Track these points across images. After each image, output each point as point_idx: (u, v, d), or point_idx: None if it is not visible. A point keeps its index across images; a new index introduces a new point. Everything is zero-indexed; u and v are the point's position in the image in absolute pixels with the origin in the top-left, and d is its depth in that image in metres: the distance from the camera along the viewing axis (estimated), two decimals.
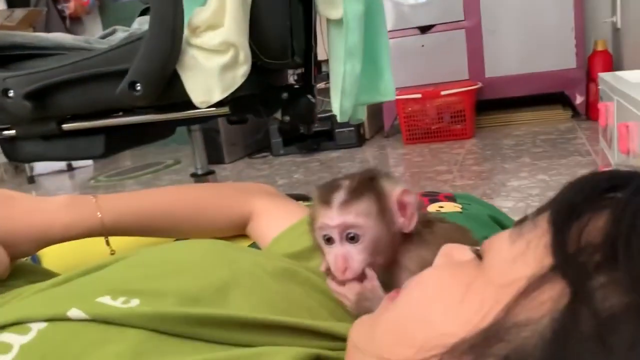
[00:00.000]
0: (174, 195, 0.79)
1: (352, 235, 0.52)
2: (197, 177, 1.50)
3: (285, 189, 2.39)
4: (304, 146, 3.10)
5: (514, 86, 2.99)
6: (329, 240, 0.54)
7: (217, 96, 1.10)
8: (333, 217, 0.52)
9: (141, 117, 1.19)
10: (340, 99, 1.12)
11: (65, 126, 1.21)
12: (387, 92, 1.23)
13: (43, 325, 0.43)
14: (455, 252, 0.40)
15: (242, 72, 1.09)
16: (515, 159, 2.32)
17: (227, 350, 0.44)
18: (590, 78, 2.87)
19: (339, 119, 1.15)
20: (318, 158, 2.95)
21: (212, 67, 1.08)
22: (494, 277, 0.32)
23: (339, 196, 0.53)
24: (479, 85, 2.90)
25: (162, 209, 0.76)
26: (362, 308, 0.53)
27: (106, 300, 0.45)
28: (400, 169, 2.49)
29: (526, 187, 1.92)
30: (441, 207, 0.85)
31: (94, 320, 0.42)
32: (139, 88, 1.08)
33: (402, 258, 0.55)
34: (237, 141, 3.25)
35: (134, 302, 0.45)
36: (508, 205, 1.75)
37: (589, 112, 2.90)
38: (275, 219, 0.77)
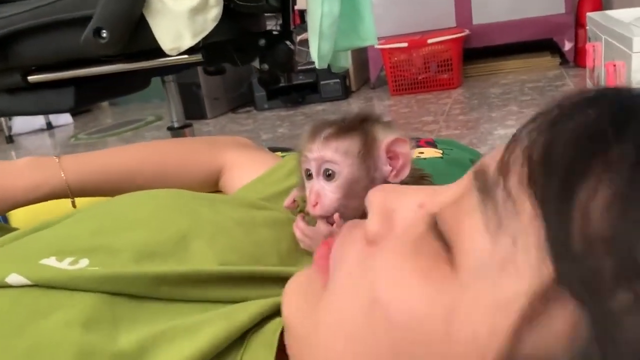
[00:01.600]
0: (141, 152, 0.75)
1: (328, 171, 0.50)
2: (174, 131, 1.46)
3: (269, 143, 2.34)
4: (288, 99, 3.04)
5: (502, 33, 2.92)
6: (309, 175, 0.52)
7: (188, 42, 1.05)
8: (313, 150, 0.51)
9: (109, 67, 1.13)
10: (318, 43, 1.07)
11: (31, 78, 1.15)
12: (368, 37, 1.18)
13: None
14: (409, 222, 0.29)
15: (213, 15, 1.04)
16: (502, 108, 2.28)
17: (188, 316, 0.40)
18: (579, 23, 2.81)
19: (317, 65, 1.10)
20: (303, 111, 2.89)
21: (181, 11, 1.02)
22: (479, 291, 0.24)
23: (325, 132, 0.51)
24: (467, 32, 2.83)
25: (127, 168, 0.72)
26: None
27: (51, 262, 0.40)
28: None
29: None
30: (421, 152, 0.82)
31: (36, 285, 0.37)
32: (104, 35, 1.02)
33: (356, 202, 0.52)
34: (220, 95, 3.17)
35: (83, 263, 0.41)
36: None
37: (577, 59, 2.85)
38: (248, 170, 0.74)
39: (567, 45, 2.85)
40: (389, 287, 0.27)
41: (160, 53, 1.07)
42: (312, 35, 1.09)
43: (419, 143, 0.85)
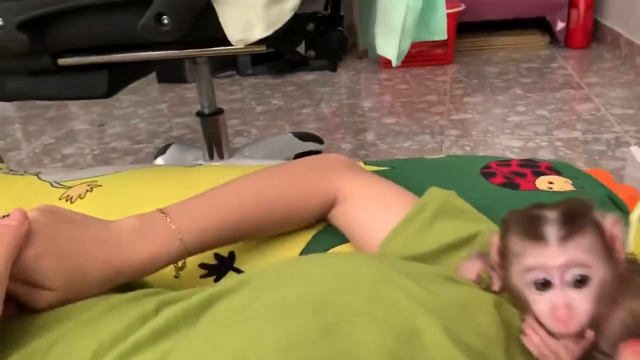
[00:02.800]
0: (255, 192, 0.65)
1: (579, 277, 0.43)
2: (204, 118, 1.33)
3: (267, 116, 2.23)
4: (274, 67, 2.90)
5: (496, 8, 2.88)
6: (544, 284, 0.44)
7: (259, 33, 0.94)
8: (555, 255, 0.43)
9: (160, 53, 1.00)
10: (400, 40, 0.98)
11: (62, 61, 1.00)
12: (439, 30, 1.10)
13: None
14: None
15: (291, 5, 0.93)
16: (506, 90, 2.26)
17: None
18: (573, 4, 2.80)
19: (394, 64, 1.01)
20: (291, 81, 2.77)
21: (256, 0, 0.90)
22: None
23: (555, 229, 0.44)
24: (463, 7, 2.76)
25: (246, 213, 0.63)
26: None
27: None
28: (388, 98, 2.37)
29: (528, 123, 1.87)
30: (551, 182, 0.76)
31: None
32: (166, 22, 0.89)
33: (608, 312, 0.46)
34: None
35: None
36: (517, 145, 1.70)
37: (568, 40, 2.86)
38: (366, 202, 0.66)
39: (560, 25, 2.84)
40: None
41: (219, 41, 0.96)
42: (391, 32, 1.00)
43: (540, 168, 0.79)
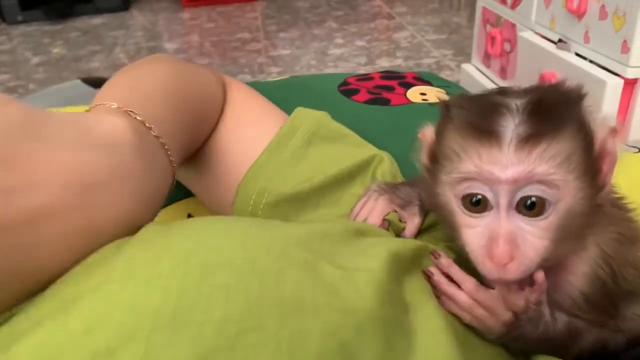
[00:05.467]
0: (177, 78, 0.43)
1: (534, 199, 0.29)
2: None
3: (47, 68, 1.82)
4: (52, 10, 2.40)
5: None
6: (478, 203, 0.30)
7: None
8: (506, 163, 0.28)
9: None
10: None
11: None
12: None
13: None
14: None
15: None
16: (321, 24, 2.14)
17: None
18: None
19: None
20: (75, 26, 2.33)
21: None
22: None
23: (514, 125, 0.28)
24: None
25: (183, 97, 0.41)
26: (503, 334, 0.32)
27: None
28: (195, 38, 2.10)
29: (350, 55, 1.77)
30: (423, 93, 0.62)
31: None
32: None
33: (574, 258, 0.33)
34: None
35: None
36: None
37: None
38: (246, 119, 0.47)
39: None
40: None
41: None
42: None
43: (406, 79, 0.64)
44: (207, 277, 0.23)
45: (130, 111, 0.33)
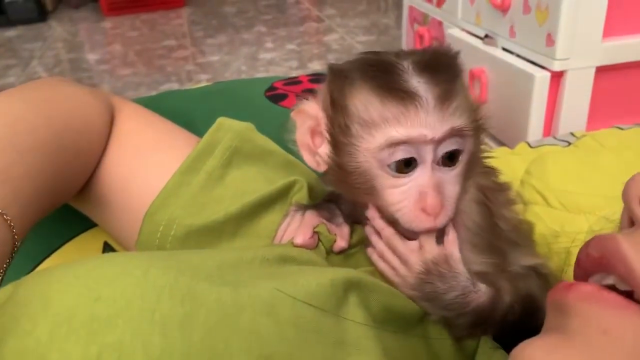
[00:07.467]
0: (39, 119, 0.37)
1: (452, 152, 0.32)
2: None
3: None
4: None
5: None
6: (409, 164, 0.32)
7: None
8: (434, 124, 0.31)
9: None
10: None
11: None
12: None
13: None
14: None
15: None
16: (250, 29, 2.10)
17: None
18: None
19: None
20: None
21: None
22: None
23: (429, 86, 0.31)
24: None
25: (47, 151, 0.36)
26: (416, 286, 0.34)
27: None
28: (118, 47, 2.00)
29: (281, 59, 1.74)
30: None
31: None
32: None
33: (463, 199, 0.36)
34: None
35: None
36: None
37: None
38: (139, 138, 0.43)
39: None
40: None
41: None
42: None
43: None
44: (95, 335, 0.19)
45: None
